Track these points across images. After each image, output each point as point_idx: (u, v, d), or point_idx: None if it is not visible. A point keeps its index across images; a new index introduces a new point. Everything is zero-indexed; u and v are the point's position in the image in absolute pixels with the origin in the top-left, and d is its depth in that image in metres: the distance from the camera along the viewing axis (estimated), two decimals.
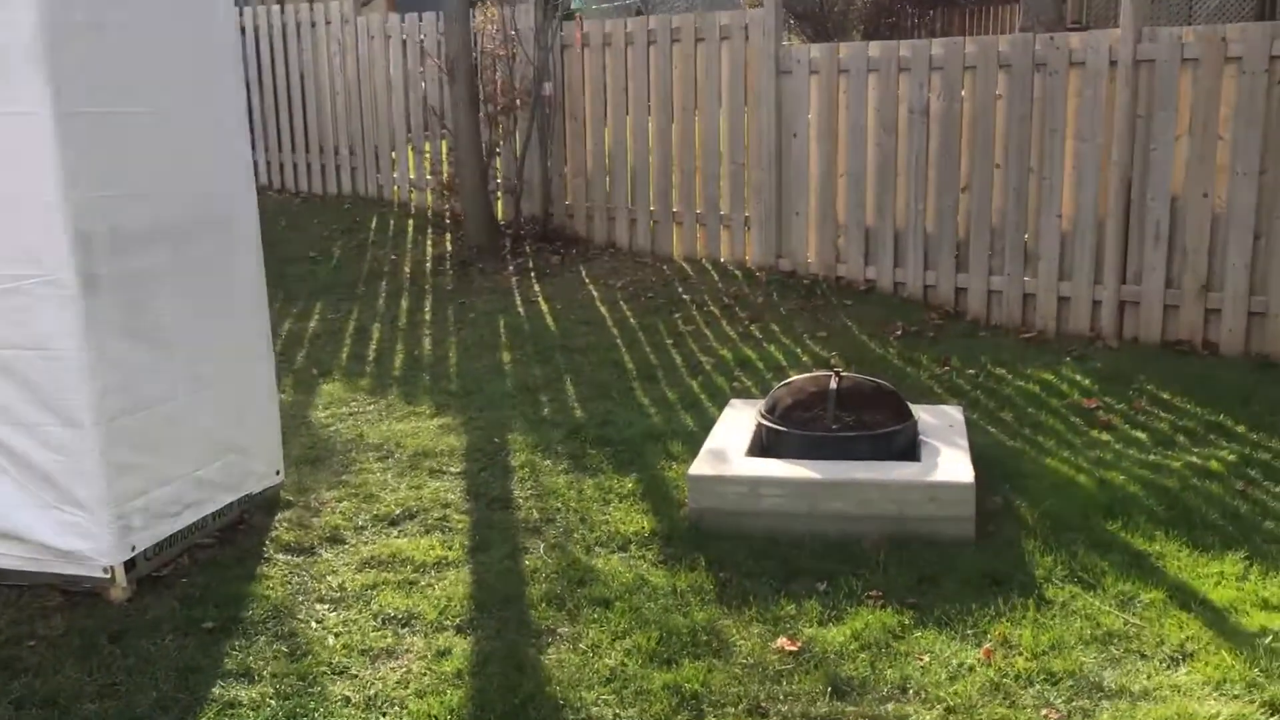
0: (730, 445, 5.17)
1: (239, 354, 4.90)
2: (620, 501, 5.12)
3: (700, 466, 4.94)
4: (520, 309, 8.69)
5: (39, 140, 3.93)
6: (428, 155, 11.55)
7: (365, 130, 12.12)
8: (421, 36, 11.51)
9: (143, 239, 4.31)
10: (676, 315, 8.35)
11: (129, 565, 4.28)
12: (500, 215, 10.63)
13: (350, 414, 6.42)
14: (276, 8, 13.02)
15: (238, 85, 4.86)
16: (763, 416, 5.23)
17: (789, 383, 5.47)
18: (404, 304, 8.92)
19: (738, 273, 9.19)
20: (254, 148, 13.17)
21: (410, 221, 11.17)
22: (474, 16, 10.40)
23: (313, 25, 12.47)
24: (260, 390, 5.06)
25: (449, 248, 10.32)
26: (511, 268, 9.66)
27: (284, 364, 7.43)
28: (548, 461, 5.64)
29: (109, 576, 4.23)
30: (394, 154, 11.91)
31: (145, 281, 4.33)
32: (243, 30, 12.96)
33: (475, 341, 7.93)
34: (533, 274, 9.52)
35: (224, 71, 4.74)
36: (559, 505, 5.09)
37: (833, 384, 5.19)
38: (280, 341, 7.96)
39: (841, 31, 19.70)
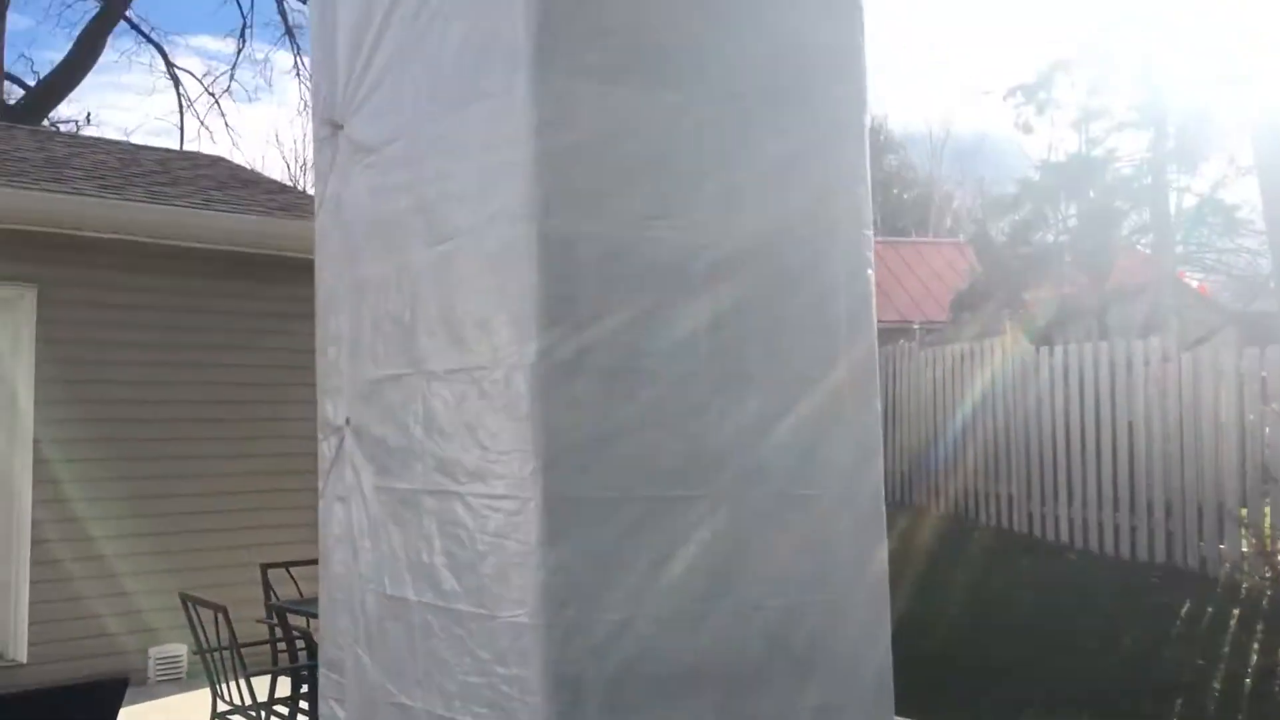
0: None
1: None
2: None
3: None
4: None
5: (525, 538, 2.78)
6: (1267, 524, 8.87)
7: (1185, 487, 9.80)
8: (1263, 373, 9.13)
9: (670, 686, 2.90)
10: None
11: None
12: None
13: None
14: (1089, 346, 11.50)
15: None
16: None
17: None
18: None
19: None
20: (1052, 501, 11.52)
21: (1235, 613, 8.45)
22: None
23: (1129, 365, 10.67)
24: None
25: None
26: None
27: None
28: None
29: None
30: (1221, 519, 9.38)
31: None
32: (1046, 370, 11.62)
33: None
34: None
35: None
36: None
37: None
38: None
39: None
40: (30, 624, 7.07)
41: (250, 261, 7.81)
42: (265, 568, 6.50)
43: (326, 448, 3.51)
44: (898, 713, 3.50)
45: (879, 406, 3.41)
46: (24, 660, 7.00)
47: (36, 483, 7.15)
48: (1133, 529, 10.43)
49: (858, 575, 3.29)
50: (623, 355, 2.88)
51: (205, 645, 5.58)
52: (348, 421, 3.40)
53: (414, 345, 3.13)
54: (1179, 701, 7.00)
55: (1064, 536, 11.10)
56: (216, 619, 5.39)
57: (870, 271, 3.40)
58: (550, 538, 2.74)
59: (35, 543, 7.14)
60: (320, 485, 3.55)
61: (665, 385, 2.94)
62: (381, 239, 3.29)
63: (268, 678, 5.76)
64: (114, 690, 4.07)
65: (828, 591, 3.21)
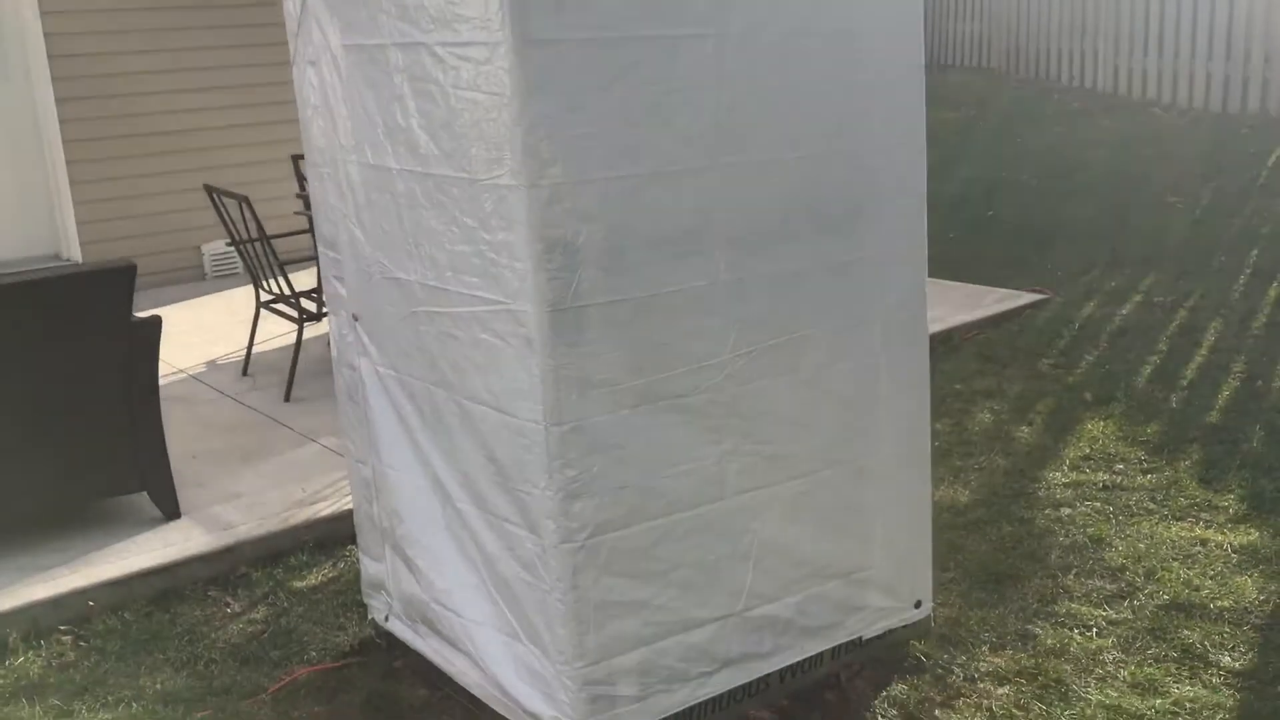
0: None
1: (861, 427, 3.04)
2: None
3: None
4: None
5: (497, 89, 2.44)
6: None
7: None
8: None
9: (675, 246, 2.64)
10: None
11: None
12: None
13: (1105, 487, 4.15)
14: None
15: None
16: None
17: None
18: (1274, 292, 6.09)
19: None
20: (1140, 54, 10.73)
21: None
22: None
23: None
24: (898, 481, 3.16)
25: None
26: None
27: (1056, 373, 5.30)
28: None
29: None
30: None
31: (678, 316, 2.68)
32: None
33: None
34: None
35: None
36: None
37: None
38: (1071, 332, 5.79)
39: None
40: (79, 223, 7.06)
41: None
42: (296, 159, 6.28)
43: (292, 5, 3.12)
44: (940, 277, 3.27)
45: None
46: (80, 259, 7.07)
47: (55, 80, 6.89)
48: (1226, 78, 9.72)
49: (888, 126, 2.91)
50: None
51: (238, 237, 5.49)
52: None
53: None
54: (1253, 253, 6.69)
55: (1150, 91, 10.42)
56: (242, 209, 5.25)
57: None
58: (525, 87, 2.39)
59: (67, 142, 6.98)
60: (290, 48, 3.19)
61: None
62: None
63: (314, 266, 5.70)
64: (127, 274, 3.97)
65: (852, 142, 2.86)
